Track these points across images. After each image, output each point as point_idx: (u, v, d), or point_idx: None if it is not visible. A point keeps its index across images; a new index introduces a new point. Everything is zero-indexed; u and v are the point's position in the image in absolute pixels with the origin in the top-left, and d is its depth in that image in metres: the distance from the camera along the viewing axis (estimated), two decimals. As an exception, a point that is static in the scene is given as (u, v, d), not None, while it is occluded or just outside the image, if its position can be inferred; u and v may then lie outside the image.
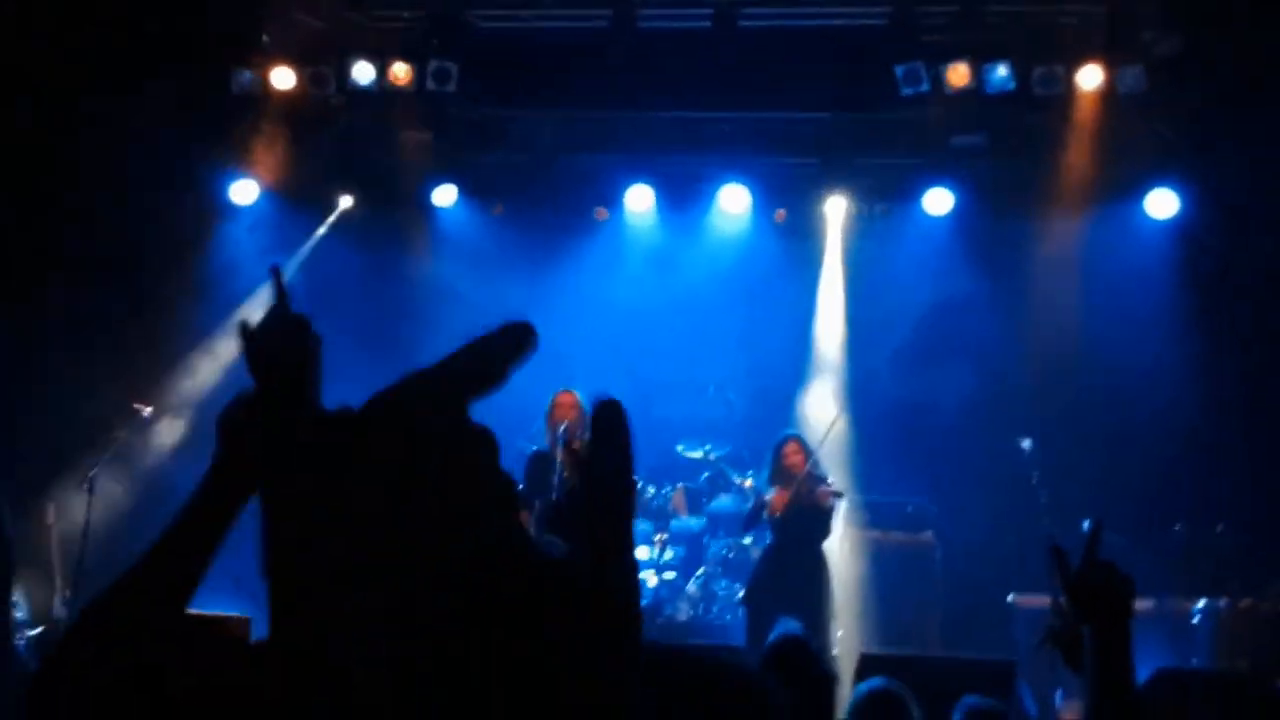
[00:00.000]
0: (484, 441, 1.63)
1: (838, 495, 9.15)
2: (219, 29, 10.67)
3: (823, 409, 10.58)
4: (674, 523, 10.33)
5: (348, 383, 1.91)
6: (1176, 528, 9.57)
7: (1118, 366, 10.49)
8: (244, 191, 11.56)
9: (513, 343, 1.73)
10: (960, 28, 10.71)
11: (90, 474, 9.05)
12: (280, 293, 2.11)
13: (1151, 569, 8.67)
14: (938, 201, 11.50)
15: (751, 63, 10.95)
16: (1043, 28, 10.75)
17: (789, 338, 11.41)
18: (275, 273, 2.18)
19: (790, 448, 9.22)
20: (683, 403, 10.86)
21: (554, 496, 8.19)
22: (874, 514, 10.34)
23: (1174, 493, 9.91)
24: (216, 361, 11.14)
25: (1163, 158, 10.87)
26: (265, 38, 11.06)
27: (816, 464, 9.17)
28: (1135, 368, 10.40)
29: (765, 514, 9.10)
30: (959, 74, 10.54)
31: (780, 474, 9.15)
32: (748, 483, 9.85)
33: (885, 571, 9.96)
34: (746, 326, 11.41)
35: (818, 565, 9.04)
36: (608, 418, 1.89)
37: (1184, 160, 10.84)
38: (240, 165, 11.44)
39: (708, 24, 11.01)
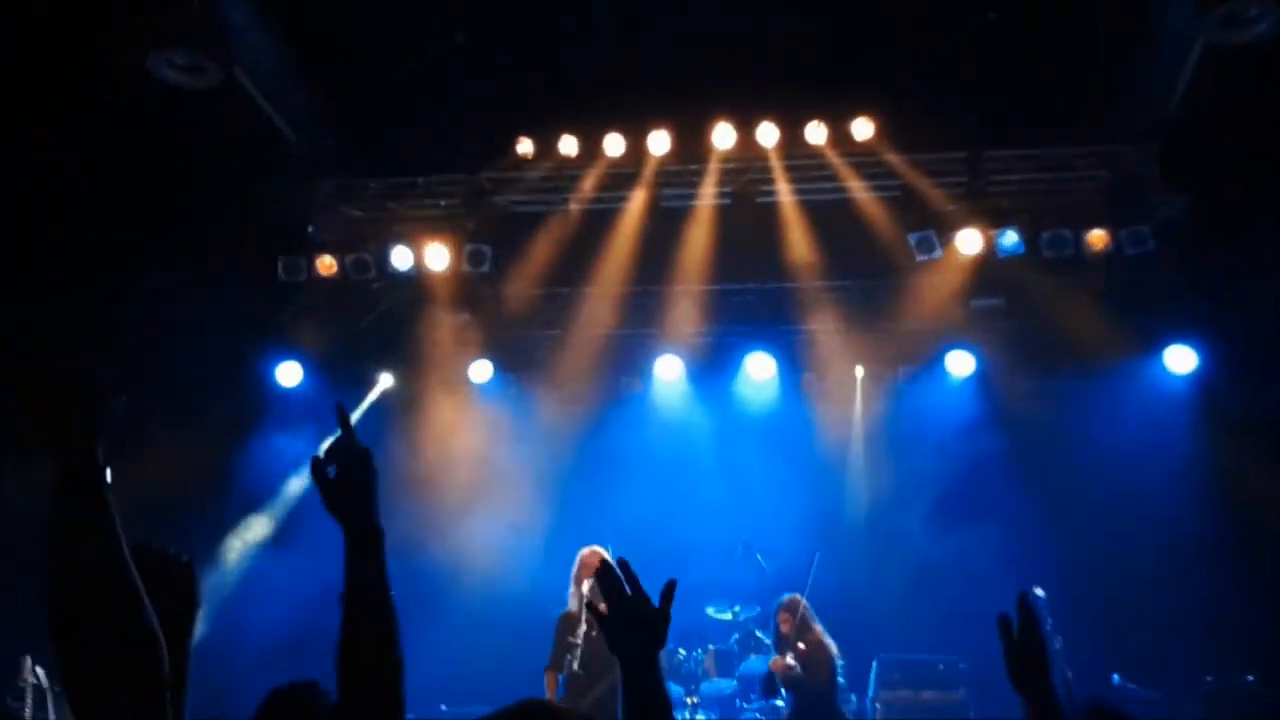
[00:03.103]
0: None
1: (792, 667, 9.28)
2: (268, 220, 11.35)
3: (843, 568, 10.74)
4: (704, 685, 10.29)
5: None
6: (1207, 678, 9.56)
7: (1141, 517, 10.60)
8: (289, 374, 12.03)
9: None
10: (970, 197, 11.19)
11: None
12: (346, 428, 2.44)
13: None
14: (959, 363, 11.79)
15: (771, 235, 11.45)
16: (1048, 194, 11.19)
17: (819, 500, 11.59)
18: (340, 409, 2.51)
19: (781, 616, 9.48)
20: (713, 565, 10.97)
21: (579, 656, 8.33)
22: (905, 673, 10.35)
23: (1203, 642, 9.91)
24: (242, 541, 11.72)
25: (1178, 314, 11.15)
26: (310, 228, 11.70)
27: (805, 625, 9.39)
28: (1159, 519, 10.51)
29: (777, 681, 9.39)
30: (970, 240, 10.98)
31: (779, 642, 9.44)
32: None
33: (918, 730, 9.97)
34: (776, 490, 11.58)
35: (832, 716, 9.19)
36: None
37: (1199, 315, 11.09)
38: (286, 348, 11.97)
39: (728, 201, 11.58)
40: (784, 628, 9.47)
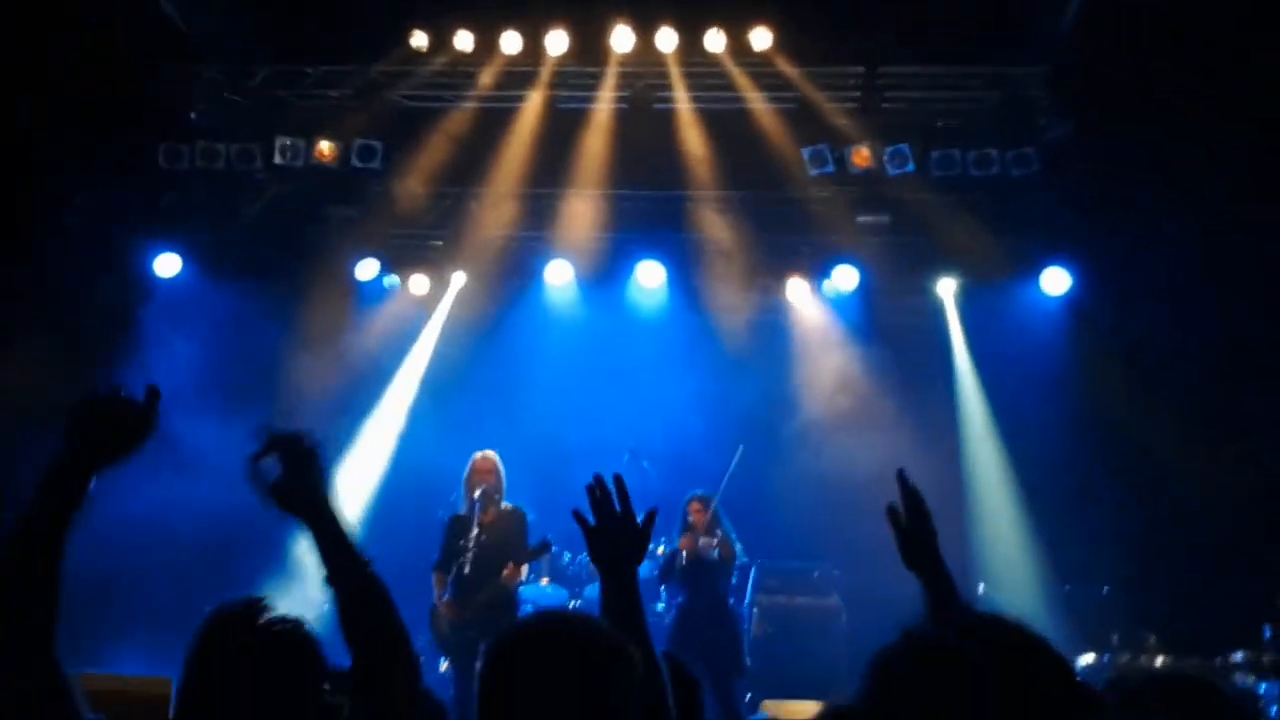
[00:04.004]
0: None
1: (713, 548, 9.47)
2: (149, 105, 10.95)
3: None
4: (588, 589, 10.45)
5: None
6: (1066, 588, 10.02)
7: (1012, 434, 10.98)
8: (167, 265, 11.71)
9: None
10: (863, 113, 11.28)
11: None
12: (275, 440, 2.49)
13: (1043, 627, 9.02)
14: (845, 278, 11.95)
15: (667, 142, 11.42)
16: (940, 114, 11.33)
17: (703, 407, 11.72)
18: (263, 429, 2.52)
19: (694, 506, 9.61)
20: (600, 469, 10.97)
21: (469, 559, 8.40)
22: (781, 579, 10.64)
23: (1063, 553, 10.37)
24: None
25: (1056, 237, 11.43)
26: (193, 115, 11.33)
27: (718, 517, 9.55)
28: (1028, 434, 10.90)
29: (678, 562, 9.51)
30: (862, 156, 11.09)
31: (686, 530, 9.57)
32: (660, 549, 10.07)
33: (792, 633, 10.27)
34: (662, 395, 11.70)
35: (726, 615, 9.42)
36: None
37: (1077, 239, 11.39)
38: (165, 239, 11.64)
39: (625, 105, 11.50)
40: (694, 517, 9.60)
